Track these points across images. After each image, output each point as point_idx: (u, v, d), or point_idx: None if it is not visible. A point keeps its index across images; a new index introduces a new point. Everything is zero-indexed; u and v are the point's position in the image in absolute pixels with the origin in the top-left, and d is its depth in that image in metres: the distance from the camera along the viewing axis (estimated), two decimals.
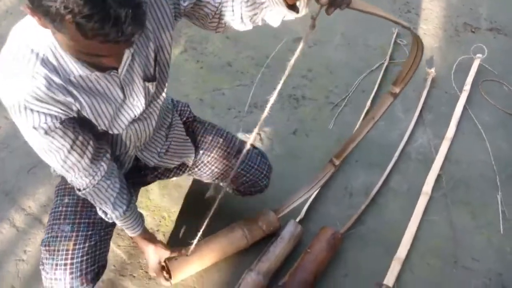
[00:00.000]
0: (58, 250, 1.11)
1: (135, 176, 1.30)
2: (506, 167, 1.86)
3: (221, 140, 1.37)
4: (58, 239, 1.12)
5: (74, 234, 1.12)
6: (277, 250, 1.42)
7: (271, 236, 1.47)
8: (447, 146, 1.93)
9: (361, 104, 2.01)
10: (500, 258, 1.59)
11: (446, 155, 1.89)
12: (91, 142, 1.00)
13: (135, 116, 1.05)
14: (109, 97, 0.97)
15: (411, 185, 1.77)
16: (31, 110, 0.88)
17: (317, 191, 1.64)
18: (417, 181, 1.77)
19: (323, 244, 1.43)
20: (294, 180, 1.68)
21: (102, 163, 1.05)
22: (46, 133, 0.91)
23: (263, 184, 1.43)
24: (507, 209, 1.72)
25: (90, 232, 1.14)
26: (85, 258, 1.12)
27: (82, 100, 0.93)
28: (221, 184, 1.45)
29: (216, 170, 1.38)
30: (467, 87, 2.14)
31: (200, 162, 1.37)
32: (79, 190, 1.07)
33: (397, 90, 1.19)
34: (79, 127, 0.97)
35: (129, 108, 1.03)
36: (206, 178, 1.42)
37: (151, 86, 1.04)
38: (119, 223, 1.18)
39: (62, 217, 1.14)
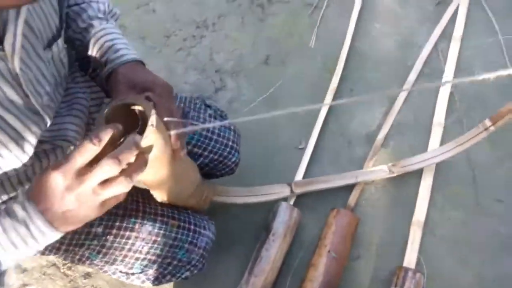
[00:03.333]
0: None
1: None
2: None
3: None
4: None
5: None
6: (272, 253, 1.06)
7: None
8: (457, 50, 1.50)
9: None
10: None
11: (456, 63, 1.48)
12: None
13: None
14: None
15: (418, 113, 1.38)
16: None
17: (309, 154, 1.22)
18: (425, 106, 1.38)
19: (345, 243, 1.08)
20: (274, 137, 1.24)
21: None
22: None
23: (232, 161, 0.97)
24: None
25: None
26: None
27: None
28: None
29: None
30: None
31: None
32: None
33: None
34: None
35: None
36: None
37: (57, 46, 0.65)
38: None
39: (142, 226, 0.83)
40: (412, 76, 1.38)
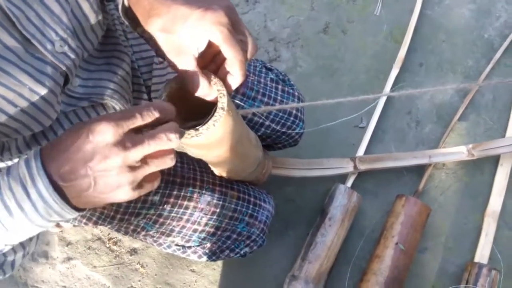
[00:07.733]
0: None
1: None
2: None
3: None
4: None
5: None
6: (329, 239, 0.97)
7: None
8: None
9: None
10: None
11: None
12: None
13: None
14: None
15: (498, 93, 1.22)
16: None
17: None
18: (509, 85, 1.22)
19: (414, 235, 0.97)
20: (331, 113, 1.13)
21: None
22: None
23: (296, 131, 0.88)
24: None
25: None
26: None
27: None
28: None
29: None
30: None
31: None
32: None
33: None
34: None
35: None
36: None
37: None
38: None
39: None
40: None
